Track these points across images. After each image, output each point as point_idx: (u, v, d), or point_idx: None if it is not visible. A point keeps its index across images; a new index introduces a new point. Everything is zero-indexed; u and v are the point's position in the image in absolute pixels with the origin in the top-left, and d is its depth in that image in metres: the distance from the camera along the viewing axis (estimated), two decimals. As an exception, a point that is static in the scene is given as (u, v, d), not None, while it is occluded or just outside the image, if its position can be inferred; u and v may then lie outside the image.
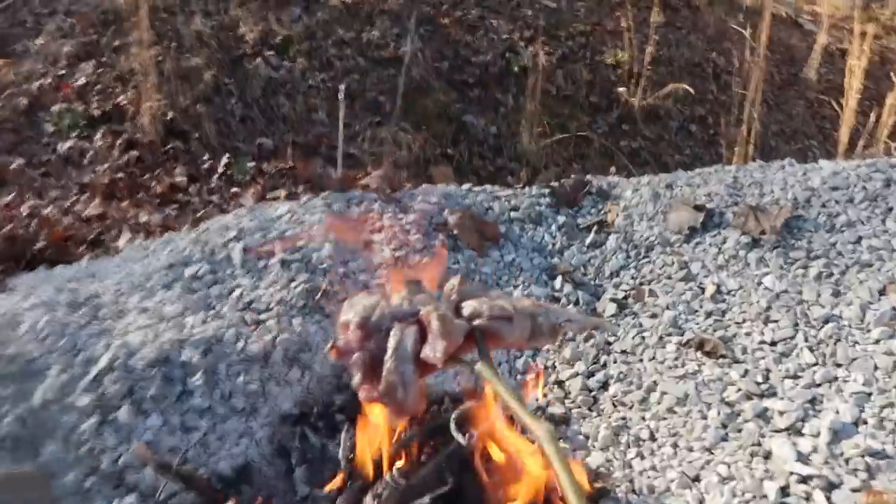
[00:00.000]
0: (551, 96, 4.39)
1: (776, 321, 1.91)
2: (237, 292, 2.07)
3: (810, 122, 4.65)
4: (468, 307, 1.34)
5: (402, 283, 1.37)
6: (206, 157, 3.73)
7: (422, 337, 1.28)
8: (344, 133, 3.39)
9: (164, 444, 1.73)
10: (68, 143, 3.72)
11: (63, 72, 3.98)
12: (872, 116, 3.77)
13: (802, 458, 1.61)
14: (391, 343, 1.26)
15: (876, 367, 1.76)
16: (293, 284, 2.09)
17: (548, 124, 4.22)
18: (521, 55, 4.51)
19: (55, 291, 2.07)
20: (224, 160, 3.72)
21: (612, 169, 3.73)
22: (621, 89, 4.49)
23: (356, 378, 1.27)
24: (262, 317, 2.02)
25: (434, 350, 1.22)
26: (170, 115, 3.82)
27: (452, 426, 1.67)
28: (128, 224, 3.20)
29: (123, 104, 3.87)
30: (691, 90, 4.30)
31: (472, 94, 4.38)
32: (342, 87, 3.27)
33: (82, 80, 3.94)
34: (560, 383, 2.01)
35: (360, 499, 1.56)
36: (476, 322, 1.32)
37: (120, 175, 3.56)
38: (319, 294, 2.09)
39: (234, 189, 3.62)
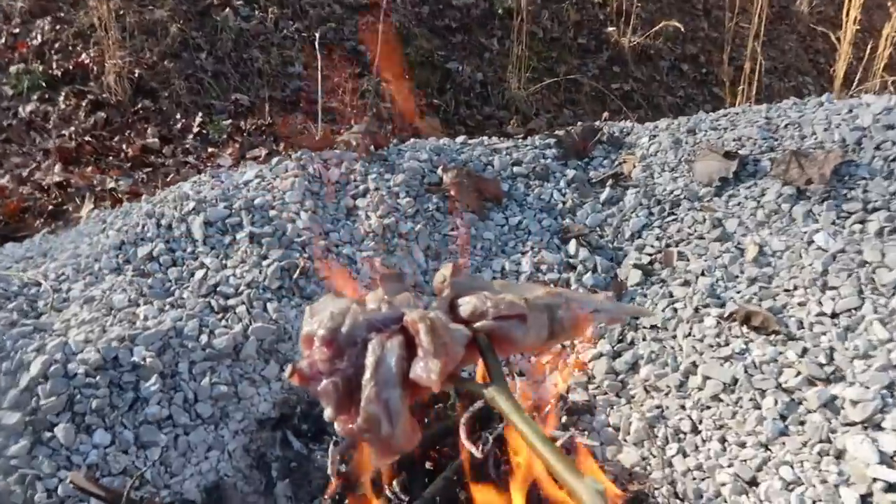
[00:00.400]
0: (538, 39, 3.91)
1: (835, 288, 1.49)
2: (199, 274, 1.64)
3: (803, 56, 4.18)
4: (467, 305, 0.93)
5: (378, 280, 0.97)
6: (178, 117, 3.31)
7: (409, 350, 0.88)
8: (323, 86, 2.93)
9: (115, 466, 1.37)
10: (30, 107, 3.26)
11: (18, 30, 3.44)
12: (868, 50, 3.34)
13: (886, 460, 1.23)
14: (369, 362, 0.86)
15: (962, 342, 1.36)
16: (265, 262, 1.66)
17: (535, 69, 3.74)
18: (504, -4, 4.00)
19: (-16, 281, 1.63)
20: (198, 119, 3.29)
21: (605, 114, 3.30)
22: (610, 29, 4.00)
23: (328, 411, 0.87)
24: (231, 302, 1.60)
25: (427, 371, 0.83)
26: (136, 72, 3.33)
27: (462, 431, 1.30)
28: (93, 191, 2.75)
29: (86, 62, 3.37)
30: (682, 27, 3.81)
31: (456, 40, 3.89)
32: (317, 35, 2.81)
33: (39, 39, 3.41)
34: (581, 365, 1.60)
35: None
36: (479, 325, 0.92)
37: (87, 138, 3.12)
38: (297, 272, 1.66)
39: (211, 149, 3.20)
